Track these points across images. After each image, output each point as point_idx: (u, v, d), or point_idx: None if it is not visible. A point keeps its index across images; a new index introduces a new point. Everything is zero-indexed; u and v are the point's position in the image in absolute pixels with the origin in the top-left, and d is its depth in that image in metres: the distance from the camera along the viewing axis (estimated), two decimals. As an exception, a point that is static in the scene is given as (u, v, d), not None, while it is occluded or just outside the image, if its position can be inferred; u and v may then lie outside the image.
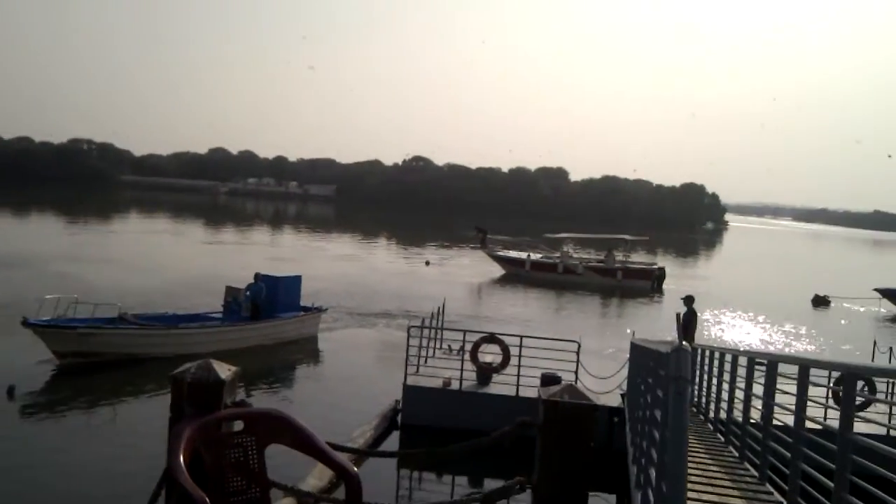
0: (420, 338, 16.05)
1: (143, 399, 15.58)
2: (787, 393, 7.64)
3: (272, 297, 21.26)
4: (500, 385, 14.99)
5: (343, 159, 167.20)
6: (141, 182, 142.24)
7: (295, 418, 6.90)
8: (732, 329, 32.09)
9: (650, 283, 44.01)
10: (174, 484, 5.95)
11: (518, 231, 61.71)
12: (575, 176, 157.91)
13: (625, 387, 14.35)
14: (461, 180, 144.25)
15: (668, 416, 4.64)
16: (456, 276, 44.12)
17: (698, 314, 19.68)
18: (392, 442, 13.85)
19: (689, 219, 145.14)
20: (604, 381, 15.16)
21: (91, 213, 77.48)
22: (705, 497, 6.83)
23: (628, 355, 14.69)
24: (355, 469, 6.75)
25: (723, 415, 10.69)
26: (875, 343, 19.48)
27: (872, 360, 18.50)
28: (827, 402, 9.30)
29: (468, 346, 15.63)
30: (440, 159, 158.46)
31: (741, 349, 19.18)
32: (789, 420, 7.58)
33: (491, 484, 11.30)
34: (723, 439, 10.23)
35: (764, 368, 8.83)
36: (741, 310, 36.77)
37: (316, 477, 10.03)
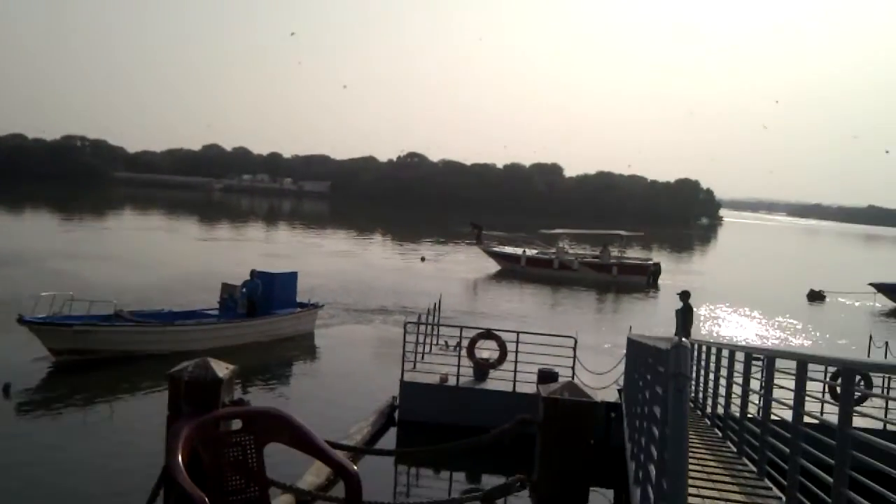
0: (416, 334, 16.04)
1: (139, 396, 15.55)
2: (784, 388, 7.66)
3: (268, 293, 21.22)
4: (497, 381, 15.01)
5: (338, 156, 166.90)
6: (135, 179, 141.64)
7: (293, 416, 6.88)
8: (728, 324, 32.18)
9: (646, 279, 44.07)
10: (173, 483, 5.93)
11: (513, 227, 61.72)
12: (570, 172, 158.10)
13: (622, 382, 14.37)
14: (456, 176, 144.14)
15: (667, 413, 4.64)
16: (451, 272, 44.10)
17: (694, 309, 19.72)
18: (389, 438, 13.85)
19: (684, 214, 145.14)
20: (600, 377, 15.17)
21: (85, 210, 77.27)
22: (704, 493, 6.84)
23: (625, 351, 14.71)
24: (355, 467, 6.74)
25: (720, 410, 10.71)
26: (871, 337, 19.55)
27: (868, 355, 18.56)
28: (823, 396, 9.34)
29: (465, 342, 15.64)
30: (435, 155, 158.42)
31: (738, 344, 19.27)
32: (786, 415, 7.61)
33: (489, 480, 11.32)
34: (720, 434, 10.25)
35: (761, 364, 8.86)
36: (737, 305, 36.84)
37: (313, 474, 10.01)
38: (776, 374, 7.80)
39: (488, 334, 15.71)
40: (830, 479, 5.50)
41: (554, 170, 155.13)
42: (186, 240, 54.51)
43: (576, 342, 14.97)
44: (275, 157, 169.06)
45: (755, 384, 9.00)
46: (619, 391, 14.48)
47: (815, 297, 42.73)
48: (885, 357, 17.46)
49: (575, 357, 14.95)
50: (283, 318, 21.66)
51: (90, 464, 11.68)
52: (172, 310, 20.66)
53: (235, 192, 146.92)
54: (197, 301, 22.70)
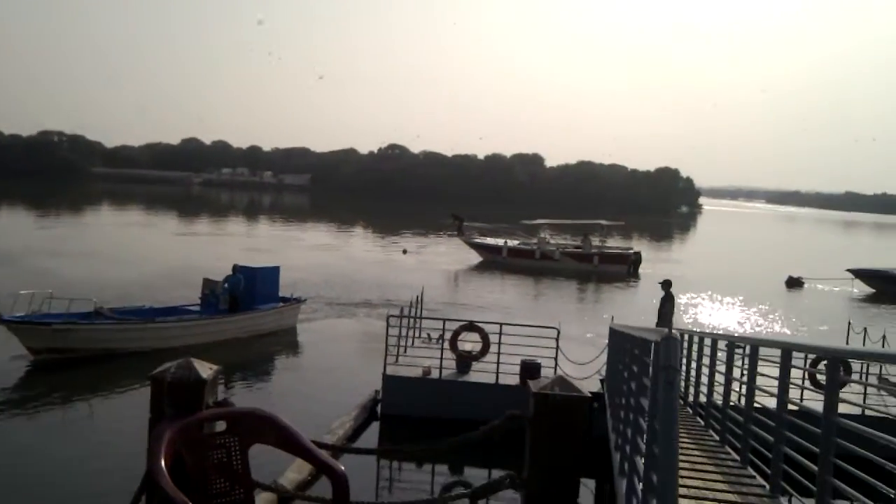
0: (399, 327, 15.99)
1: (119, 395, 15.40)
2: (766, 376, 7.69)
3: (250, 288, 21.06)
4: (480, 373, 14.99)
5: (318, 148, 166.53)
6: (113, 174, 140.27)
7: (279, 417, 6.79)
8: (709, 312, 32.35)
9: (626, 268, 44.23)
10: (155, 488, 5.82)
11: (494, 218, 61.74)
12: (550, 162, 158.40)
13: (604, 372, 14.39)
14: (437, 168, 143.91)
15: (655, 406, 4.64)
16: (433, 263, 44.06)
17: (675, 298, 19.80)
18: (372, 433, 13.78)
19: (664, 203, 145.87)
20: (582, 367, 15.19)
21: (63, 206, 76.48)
22: (689, 483, 6.85)
23: (607, 341, 14.73)
24: (342, 467, 6.66)
25: (702, 399, 10.75)
26: (850, 324, 19.71)
27: (847, 342, 18.71)
28: (803, 384, 9.39)
29: (447, 335, 15.62)
30: (416, 147, 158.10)
31: (719, 333, 19.38)
32: (769, 402, 7.64)
33: (473, 473, 11.29)
34: (702, 423, 10.29)
35: (742, 352, 8.89)
36: (717, 292, 37.06)
37: (295, 471, 9.94)
38: (758, 363, 7.83)
39: (471, 326, 15.70)
40: (813, 466, 5.54)
41: (535, 160, 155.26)
42: (166, 235, 54.08)
43: (558, 333, 14.99)
44: (254, 151, 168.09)
45: (736, 372, 9.03)
46: (602, 381, 14.51)
47: (794, 283, 43.08)
48: (864, 343, 17.62)
49: (558, 348, 14.97)
50: (266, 314, 21.52)
51: (69, 464, 11.52)
52: (153, 306, 20.44)
53: (215, 186, 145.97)
54: (178, 297, 22.50)
